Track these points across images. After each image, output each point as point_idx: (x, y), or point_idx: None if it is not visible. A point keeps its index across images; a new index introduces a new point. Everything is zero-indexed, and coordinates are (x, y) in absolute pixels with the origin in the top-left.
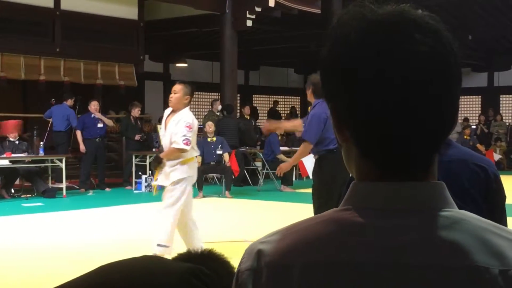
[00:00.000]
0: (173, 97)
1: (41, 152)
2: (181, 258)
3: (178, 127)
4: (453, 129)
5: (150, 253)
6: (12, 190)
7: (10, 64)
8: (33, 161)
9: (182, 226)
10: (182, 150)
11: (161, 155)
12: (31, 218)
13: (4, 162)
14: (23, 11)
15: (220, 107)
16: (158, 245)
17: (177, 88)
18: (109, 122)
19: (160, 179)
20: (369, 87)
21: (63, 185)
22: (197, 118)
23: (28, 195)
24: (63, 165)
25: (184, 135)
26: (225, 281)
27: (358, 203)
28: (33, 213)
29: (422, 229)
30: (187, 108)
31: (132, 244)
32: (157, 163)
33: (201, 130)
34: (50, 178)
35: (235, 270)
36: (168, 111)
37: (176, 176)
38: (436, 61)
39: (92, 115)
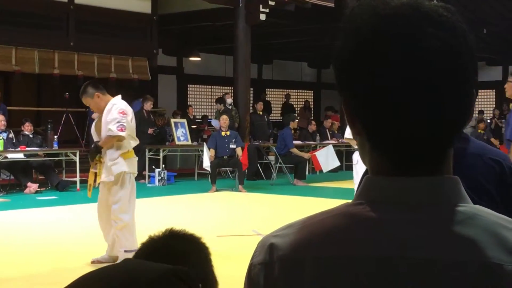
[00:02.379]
0: (92, 108)
1: (55, 146)
2: (146, 247)
3: (110, 115)
4: (467, 123)
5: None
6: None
7: (24, 58)
8: (47, 155)
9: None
10: (119, 138)
11: (100, 143)
12: (45, 211)
13: (19, 156)
14: (37, 5)
15: (230, 100)
16: (126, 251)
17: (84, 101)
18: None
19: (104, 174)
20: (379, 81)
21: (77, 178)
22: (210, 112)
23: (42, 189)
24: (77, 159)
25: (118, 121)
26: (193, 257)
27: (370, 197)
28: (48, 206)
29: (436, 224)
30: (115, 98)
31: (145, 237)
32: (97, 153)
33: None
34: (64, 171)
35: (201, 240)
36: (96, 115)
37: (117, 169)
38: (449, 55)
39: None
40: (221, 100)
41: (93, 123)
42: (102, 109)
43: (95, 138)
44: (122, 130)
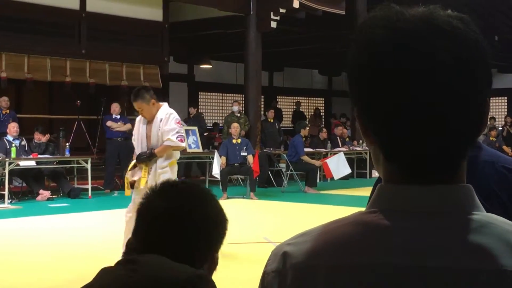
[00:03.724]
0: (143, 113)
1: (67, 153)
2: (145, 212)
3: (168, 125)
4: (481, 132)
5: None
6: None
7: (37, 66)
8: (59, 162)
9: None
10: (177, 147)
11: (155, 151)
12: (57, 218)
13: (31, 163)
14: (49, 13)
15: (236, 108)
16: None
17: (138, 105)
18: (125, 128)
19: (150, 180)
20: (390, 92)
21: (89, 186)
22: (221, 119)
23: (54, 196)
24: (89, 166)
25: (177, 132)
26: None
27: (384, 205)
28: (59, 213)
29: (449, 232)
30: (164, 105)
31: None
32: (149, 160)
33: (221, 132)
34: (75, 179)
35: (211, 195)
36: (142, 120)
37: (166, 177)
38: (460, 67)
39: (114, 116)
40: (195, 104)
41: (140, 129)
42: (153, 115)
43: (139, 143)
44: (182, 141)
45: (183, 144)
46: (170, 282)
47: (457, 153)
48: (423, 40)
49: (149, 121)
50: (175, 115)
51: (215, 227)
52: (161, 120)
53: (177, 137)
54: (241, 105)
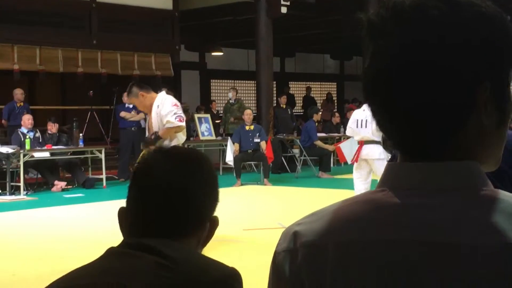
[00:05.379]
0: (138, 106)
1: (81, 144)
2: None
3: (164, 108)
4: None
5: None
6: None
7: (48, 58)
8: (73, 153)
9: None
10: (178, 128)
11: (160, 133)
12: (72, 208)
13: (45, 155)
14: (59, 4)
15: (230, 95)
16: None
17: (130, 101)
18: (138, 117)
19: None
20: (389, 77)
21: (103, 175)
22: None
23: (69, 186)
24: (103, 156)
25: (175, 113)
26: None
27: (392, 184)
28: (75, 203)
29: (456, 208)
30: (160, 93)
31: None
32: (155, 142)
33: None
34: (90, 169)
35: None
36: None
37: None
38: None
39: (126, 105)
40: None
41: (146, 123)
42: (148, 106)
43: (147, 133)
44: (181, 121)
45: (183, 124)
46: (207, 284)
47: (452, 131)
48: (422, 29)
49: (150, 112)
50: (170, 99)
51: (211, 189)
52: (158, 107)
53: (175, 118)
54: (237, 91)
